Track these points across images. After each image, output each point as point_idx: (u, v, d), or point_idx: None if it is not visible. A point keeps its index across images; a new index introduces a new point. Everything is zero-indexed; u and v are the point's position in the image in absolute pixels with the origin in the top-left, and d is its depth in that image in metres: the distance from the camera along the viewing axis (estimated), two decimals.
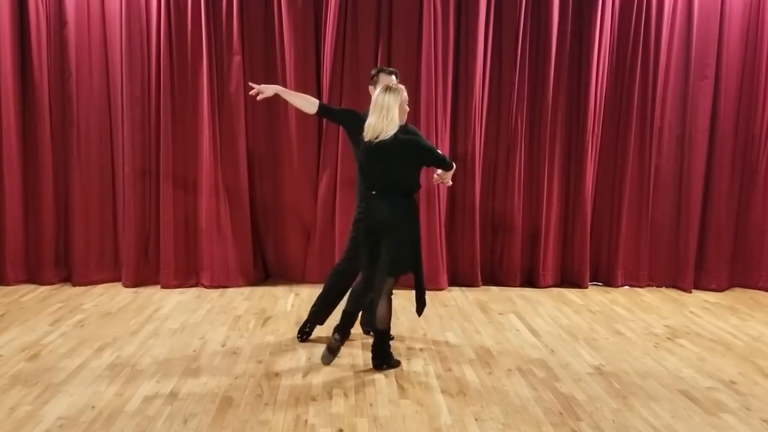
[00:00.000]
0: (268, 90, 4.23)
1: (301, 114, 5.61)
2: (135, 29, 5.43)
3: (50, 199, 5.57)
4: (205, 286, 5.62)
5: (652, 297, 5.74)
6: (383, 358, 3.92)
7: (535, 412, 3.39)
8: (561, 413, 3.39)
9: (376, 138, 3.73)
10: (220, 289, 5.57)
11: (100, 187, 5.62)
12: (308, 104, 4.17)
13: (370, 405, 3.43)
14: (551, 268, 5.94)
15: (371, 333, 4.12)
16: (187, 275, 5.66)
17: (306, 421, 3.23)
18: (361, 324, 4.46)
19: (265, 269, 5.96)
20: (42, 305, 5.03)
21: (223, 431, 3.12)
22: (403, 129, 3.83)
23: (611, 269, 6.00)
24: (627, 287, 5.99)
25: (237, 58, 5.52)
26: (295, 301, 5.34)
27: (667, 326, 4.91)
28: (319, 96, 5.65)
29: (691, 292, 5.89)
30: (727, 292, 5.95)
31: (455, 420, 3.28)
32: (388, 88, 3.78)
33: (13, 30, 5.36)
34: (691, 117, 5.86)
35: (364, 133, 3.78)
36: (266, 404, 3.40)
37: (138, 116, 5.50)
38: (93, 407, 3.31)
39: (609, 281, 6.03)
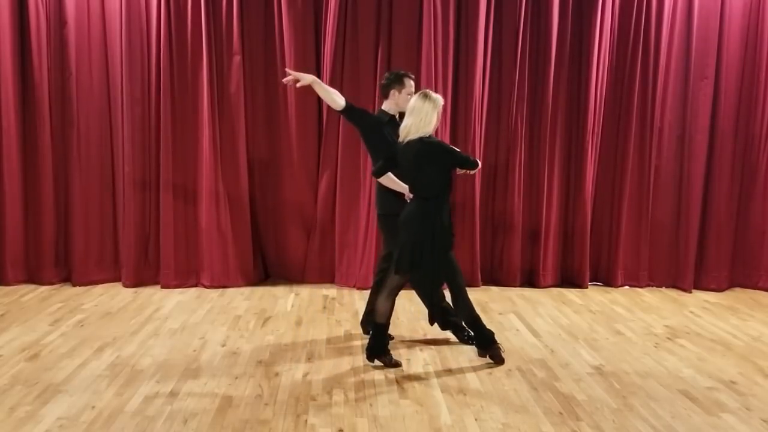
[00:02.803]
0: (305, 78, 4.17)
1: (301, 114, 5.65)
2: (135, 29, 5.43)
3: (50, 199, 5.57)
4: (205, 286, 5.62)
5: (652, 297, 5.74)
6: (374, 351, 3.96)
7: (535, 412, 3.39)
8: (561, 413, 3.39)
9: (406, 138, 3.80)
10: (220, 289, 5.57)
11: (100, 188, 5.62)
12: (337, 100, 4.14)
13: (370, 405, 3.43)
14: (551, 268, 5.94)
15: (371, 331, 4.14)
16: (187, 275, 5.66)
17: (306, 421, 3.23)
18: (362, 323, 4.47)
19: (265, 269, 5.96)
20: (42, 305, 5.04)
21: (223, 431, 3.12)
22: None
23: (611, 269, 6.00)
24: (627, 287, 5.99)
25: (237, 58, 5.52)
26: (295, 301, 5.34)
27: (667, 326, 4.91)
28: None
29: (691, 292, 5.89)
30: (727, 292, 5.95)
31: (455, 420, 3.28)
32: (427, 96, 3.81)
33: (13, 30, 5.36)
34: (691, 117, 5.86)
35: (400, 135, 3.85)
36: (266, 404, 3.40)
37: (138, 116, 5.50)
38: (93, 407, 3.31)
39: (609, 281, 6.03)
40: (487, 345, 4.06)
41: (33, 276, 5.62)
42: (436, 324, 4.34)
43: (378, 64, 5.55)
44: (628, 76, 5.78)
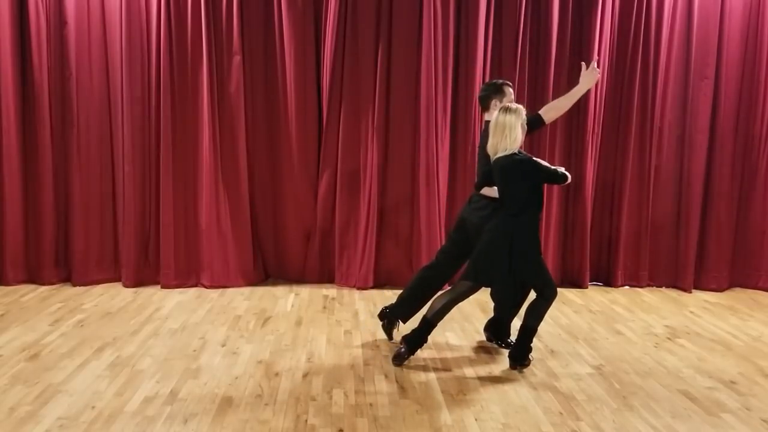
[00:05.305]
0: (590, 83, 4.30)
1: (301, 114, 5.65)
2: (135, 29, 5.43)
3: (50, 199, 5.56)
4: (205, 286, 5.62)
5: (652, 297, 5.75)
6: (411, 342, 3.96)
7: (535, 412, 3.39)
8: (561, 413, 3.39)
9: (495, 156, 3.82)
10: (220, 289, 5.57)
11: (100, 187, 5.62)
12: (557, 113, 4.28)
13: (370, 405, 3.43)
14: (551, 268, 5.89)
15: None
16: (187, 275, 5.65)
17: (306, 421, 3.23)
18: (383, 312, 4.46)
19: (265, 269, 5.96)
20: (42, 305, 5.04)
21: (223, 431, 3.12)
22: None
23: (611, 269, 6.00)
24: (627, 287, 5.99)
25: (237, 58, 5.52)
26: (295, 301, 5.34)
27: (667, 326, 4.91)
28: (319, 96, 5.67)
29: (691, 292, 5.89)
30: (727, 292, 5.95)
31: (455, 420, 3.28)
32: (508, 109, 3.82)
33: (13, 30, 5.36)
34: (691, 117, 5.86)
35: (489, 153, 3.88)
36: (266, 404, 3.40)
37: (138, 116, 5.50)
38: (93, 407, 3.31)
39: (609, 281, 6.03)
40: (520, 359, 3.99)
41: (33, 276, 5.62)
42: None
43: (378, 64, 5.55)
44: (628, 76, 5.78)
